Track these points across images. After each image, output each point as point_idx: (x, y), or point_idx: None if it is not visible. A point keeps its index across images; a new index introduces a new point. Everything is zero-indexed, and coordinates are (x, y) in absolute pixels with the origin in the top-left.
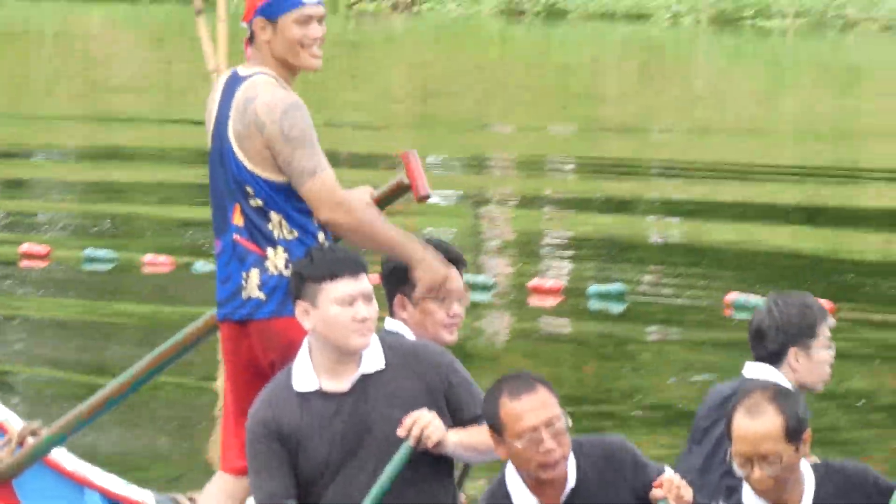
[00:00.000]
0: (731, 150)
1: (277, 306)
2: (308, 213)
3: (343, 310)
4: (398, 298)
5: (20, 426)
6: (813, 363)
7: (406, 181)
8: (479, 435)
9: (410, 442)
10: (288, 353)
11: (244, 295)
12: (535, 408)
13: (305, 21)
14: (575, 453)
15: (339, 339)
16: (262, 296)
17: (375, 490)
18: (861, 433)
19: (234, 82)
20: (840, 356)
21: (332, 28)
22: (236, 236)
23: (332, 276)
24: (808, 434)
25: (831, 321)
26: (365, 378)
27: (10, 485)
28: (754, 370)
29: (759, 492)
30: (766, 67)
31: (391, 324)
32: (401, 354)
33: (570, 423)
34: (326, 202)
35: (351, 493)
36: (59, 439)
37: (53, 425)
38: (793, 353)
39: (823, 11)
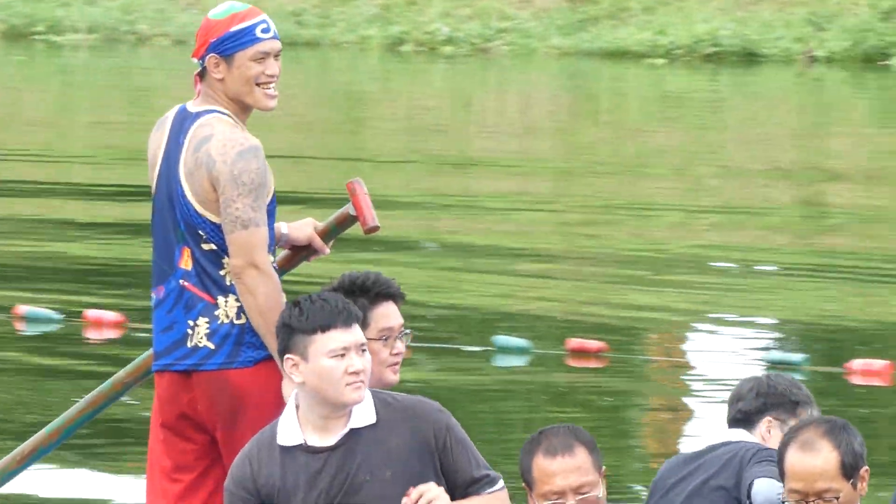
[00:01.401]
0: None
1: (227, 357)
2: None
3: (336, 363)
4: None
5: None
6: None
7: (353, 213)
8: None
9: None
10: (237, 406)
11: (190, 344)
12: (567, 471)
13: (262, 58)
14: None
15: (333, 393)
16: (211, 345)
17: None
18: None
19: (184, 120)
20: None
21: None
22: (184, 282)
23: (324, 327)
24: (865, 470)
25: (815, 415)
26: (354, 433)
27: None
28: (727, 435)
29: None
30: (59, 82)
31: None
32: (394, 409)
33: (603, 493)
34: (247, 257)
35: None
36: None
37: None
38: (766, 421)
39: (115, 27)
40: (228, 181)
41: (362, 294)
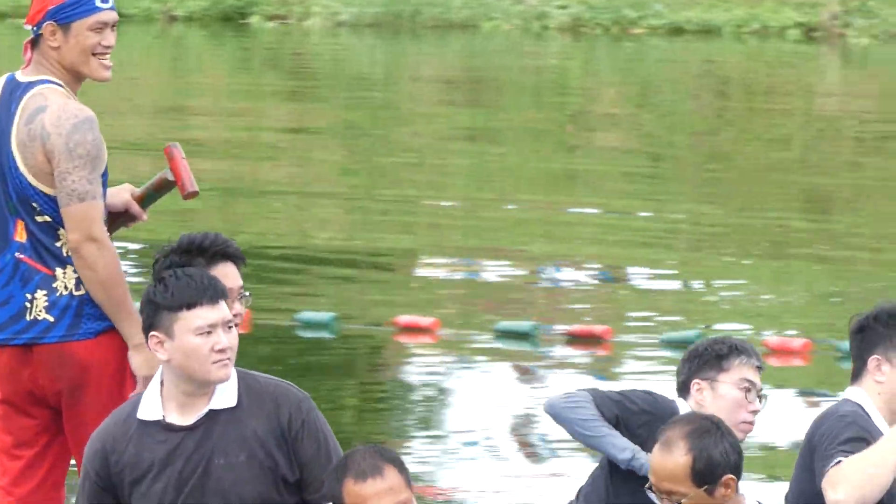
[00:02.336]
0: None
1: (68, 329)
2: None
3: (202, 340)
4: None
5: None
6: (719, 400)
7: (171, 177)
8: None
9: None
10: (80, 379)
11: (29, 317)
12: (380, 493)
13: (100, 28)
14: None
15: (199, 371)
16: (50, 318)
17: None
18: None
19: (14, 89)
20: None
21: None
22: (19, 254)
23: (190, 304)
24: (729, 478)
25: (751, 363)
26: (212, 414)
27: None
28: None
29: None
30: None
31: None
32: (256, 393)
33: None
34: (84, 231)
35: None
36: None
37: None
38: (695, 385)
39: None
40: (63, 154)
41: (200, 254)
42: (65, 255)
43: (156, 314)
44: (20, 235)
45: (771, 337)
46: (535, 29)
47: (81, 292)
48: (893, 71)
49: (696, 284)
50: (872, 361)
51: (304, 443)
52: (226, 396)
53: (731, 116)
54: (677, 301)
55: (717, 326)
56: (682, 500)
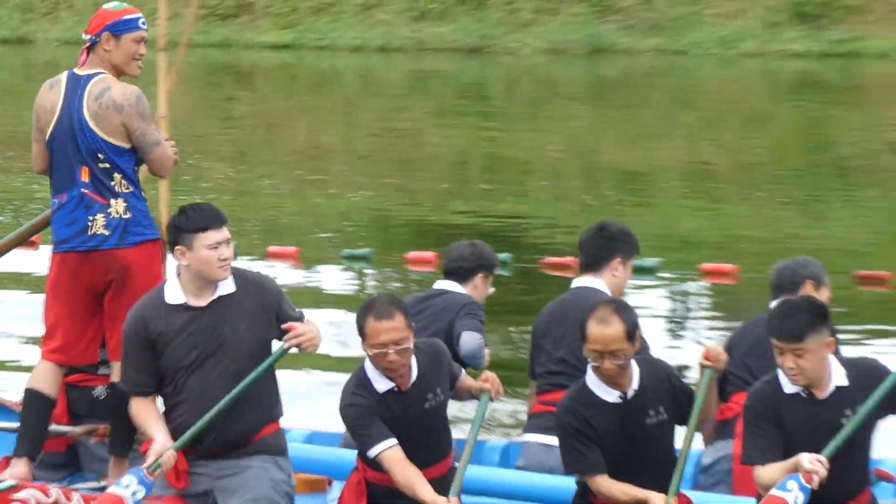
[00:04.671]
0: None
1: (118, 241)
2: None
3: (212, 252)
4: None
5: None
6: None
7: None
8: None
9: (285, 345)
10: (124, 274)
11: (90, 232)
12: (389, 330)
13: (140, 40)
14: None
15: (209, 273)
16: (106, 233)
17: (250, 377)
18: None
19: (78, 80)
20: None
21: None
22: (84, 190)
23: (204, 228)
24: (639, 334)
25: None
26: (219, 299)
27: None
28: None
29: (606, 377)
30: None
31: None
32: (247, 281)
33: (411, 346)
34: (167, 166)
35: (207, 385)
36: None
37: None
38: (616, 262)
39: None
40: (136, 117)
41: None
42: (116, 191)
43: (179, 235)
44: (84, 177)
45: None
46: None
47: (128, 216)
48: None
49: None
50: (614, 262)
51: (284, 307)
52: (226, 287)
53: None
54: None
55: None
56: (626, 353)
